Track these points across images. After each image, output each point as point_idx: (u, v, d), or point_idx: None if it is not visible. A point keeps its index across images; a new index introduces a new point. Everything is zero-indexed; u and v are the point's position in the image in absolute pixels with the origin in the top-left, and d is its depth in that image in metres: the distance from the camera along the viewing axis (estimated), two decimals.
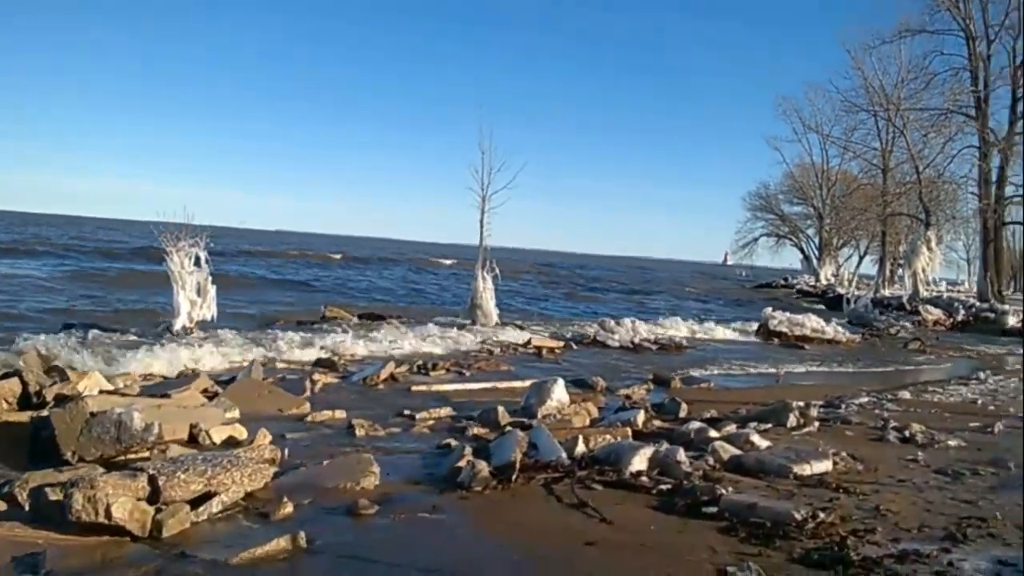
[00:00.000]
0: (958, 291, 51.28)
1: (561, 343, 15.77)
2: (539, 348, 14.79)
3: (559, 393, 8.74)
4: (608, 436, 7.30)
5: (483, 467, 5.94)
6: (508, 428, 7.46)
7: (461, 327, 17.14)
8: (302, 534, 4.43)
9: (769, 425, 8.42)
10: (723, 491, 5.43)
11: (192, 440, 6.91)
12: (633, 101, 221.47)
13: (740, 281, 72.09)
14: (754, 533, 4.77)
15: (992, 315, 30.87)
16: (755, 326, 21.79)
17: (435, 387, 10.27)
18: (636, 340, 16.68)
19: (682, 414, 9.24)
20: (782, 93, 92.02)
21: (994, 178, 38.42)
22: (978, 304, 34.10)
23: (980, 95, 38.15)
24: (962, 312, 31.66)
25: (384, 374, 10.58)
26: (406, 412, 8.54)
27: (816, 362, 16.71)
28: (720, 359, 16.09)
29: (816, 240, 68.18)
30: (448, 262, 62.13)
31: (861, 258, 61.95)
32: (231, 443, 6.90)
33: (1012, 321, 29.45)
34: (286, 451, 6.34)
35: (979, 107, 38.17)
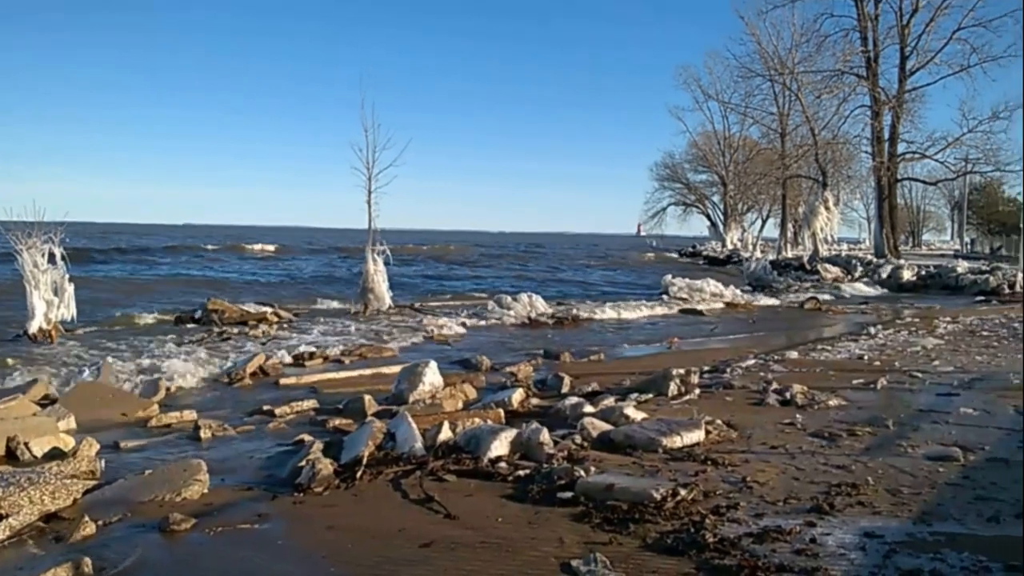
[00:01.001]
0: (859, 249, 52.75)
1: (453, 321, 15.27)
2: (429, 328, 14.26)
3: (431, 376, 8.27)
4: (477, 420, 6.83)
5: (326, 465, 5.41)
6: (369, 419, 6.92)
7: (352, 313, 16.48)
8: (87, 560, 3.85)
9: (650, 395, 8.12)
10: (581, 473, 5.02)
11: (10, 455, 6.22)
12: (540, 77, 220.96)
13: (651, 250, 72.79)
14: (609, 518, 4.37)
15: (888, 269, 31.60)
16: (656, 294, 21.71)
17: (305, 378, 9.66)
18: (533, 315, 16.30)
19: (564, 389, 8.89)
20: (682, 63, 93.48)
21: (886, 136, 39.39)
22: (875, 260, 34.94)
23: (870, 55, 39.00)
24: (860, 269, 32.36)
25: (251, 368, 9.90)
26: (265, 408, 7.91)
27: (711, 326, 16.62)
28: (618, 328, 15.85)
29: (721, 207, 69.18)
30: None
31: (764, 222, 63.23)
32: (55, 456, 6.21)
33: (907, 275, 30.17)
34: (102, 462, 5.67)
35: (869, 67, 39.02)
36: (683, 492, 4.65)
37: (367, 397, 7.78)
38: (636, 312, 18.92)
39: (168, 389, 8.94)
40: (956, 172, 41.56)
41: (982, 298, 23.82)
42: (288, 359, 11.13)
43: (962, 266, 31.57)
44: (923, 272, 30.58)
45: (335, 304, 18.66)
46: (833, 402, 7.44)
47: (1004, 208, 76.46)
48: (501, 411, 7.18)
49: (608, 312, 18.30)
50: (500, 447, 5.72)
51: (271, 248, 58.54)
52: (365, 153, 17.56)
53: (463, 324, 15.39)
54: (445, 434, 6.17)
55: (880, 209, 39.77)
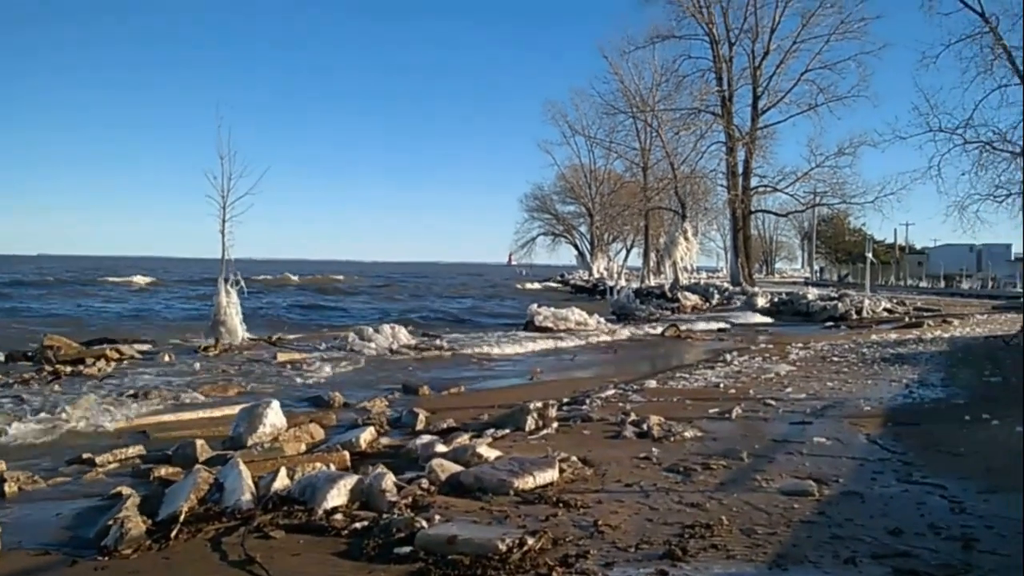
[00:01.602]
0: (717, 277, 54.60)
1: (310, 355, 14.57)
2: (283, 363, 13.52)
3: (273, 417, 7.68)
4: (319, 464, 6.31)
5: (137, 523, 4.80)
6: (197, 467, 6.28)
7: (203, 348, 15.51)
8: None
9: (507, 430, 7.79)
10: (422, 524, 4.60)
11: None
12: (411, 109, 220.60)
13: (520, 280, 73.27)
14: (449, 575, 3.96)
15: (743, 297, 32.69)
16: (522, 323, 21.55)
17: (136, 421, 8.84)
18: (395, 347, 15.78)
19: (419, 426, 8.46)
20: (551, 99, 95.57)
21: (740, 170, 41.08)
22: (731, 288, 36.14)
23: (724, 94, 40.78)
24: (717, 296, 33.38)
25: (78, 410, 8.99)
26: (85, 456, 7.11)
27: (574, 355, 16.56)
28: (482, 358, 15.53)
29: (588, 237, 70.49)
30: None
31: (628, 251, 64.84)
32: None
33: (761, 302, 31.25)
34: None
35: (724, 105, 40.74)
36: (531, 541, 4.29)
37: (199, 442, 7.10)
38: (501, 342, 18.66)
39: None
40: (805, 204, 43.88)
41: (832, 324, 24.85)
42: (123, 399, 10.22)
43: (812, 293, 33.00)
44: (776, 299, 31.77)
45: (184, 339, 17.51)
46: (689, 433, 7.30)
47: (850, 238, 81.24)
48: (346, 454, 6.69)
49: (472, 342, 17.95)
50: (338, 496, 5.23)
51: (143, 280, 54.97)
52: (220, 181, 16.69)
53: (321, 358, 14.70)
54: (280, 482, 5.61)
55: (735, 239, 41.32)
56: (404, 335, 16.77)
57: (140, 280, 54.48)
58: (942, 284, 59.50)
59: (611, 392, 10.23)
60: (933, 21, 21.70)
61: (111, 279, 55.63)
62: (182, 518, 4.92)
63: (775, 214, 52.12)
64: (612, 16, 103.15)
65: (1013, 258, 58.87)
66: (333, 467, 6.37)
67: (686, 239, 40.09)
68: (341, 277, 72.36)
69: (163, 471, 6.64)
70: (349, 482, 5.39)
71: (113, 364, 13.38)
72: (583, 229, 72.67)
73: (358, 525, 4.79)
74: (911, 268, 68.49)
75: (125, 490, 5.87)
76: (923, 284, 60.64)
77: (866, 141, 36.25)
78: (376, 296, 46.55)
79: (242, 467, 5.76)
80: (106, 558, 4.43)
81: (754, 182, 41.58)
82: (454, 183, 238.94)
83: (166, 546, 4.59)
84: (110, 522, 4.88)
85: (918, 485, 5.51)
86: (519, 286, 64.63)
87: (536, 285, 66.87)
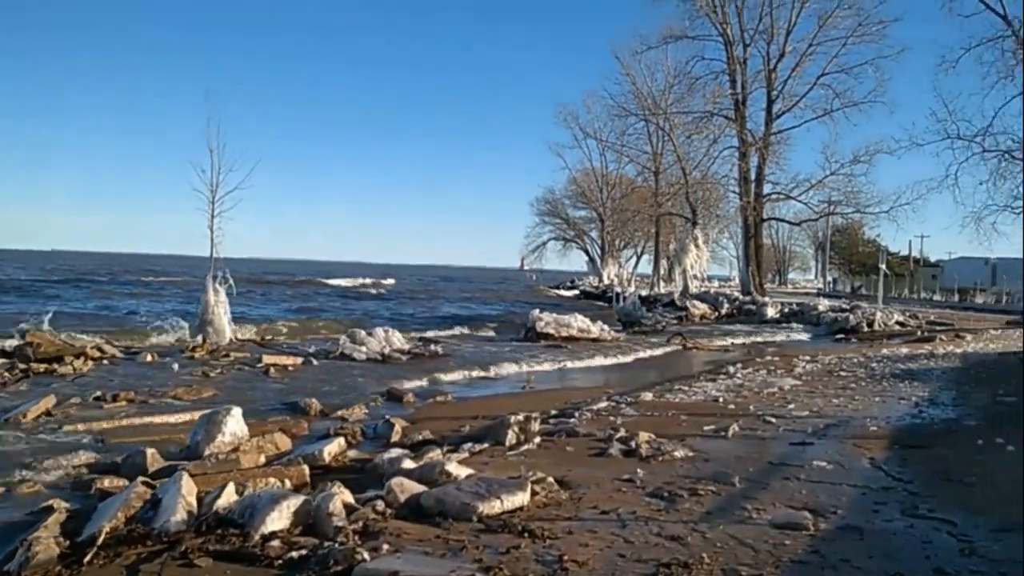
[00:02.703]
0: (728, 286, 53.91)
1: (299, 359, 14.07)
2: (268, 366, 13.02)
3: (233, 425, 7.18)
4: (273, 479, 5.83)
5: (49, 546, 4.31)
6: (137, 481, 5.78)
7: (190, 348, 15.04)
8: None
9: (486, 445, 7.29)
10: (364, 556, 4.08)
11: None
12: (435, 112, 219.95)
13: (531, 284, 72.78)
14: None
15: (753, 307, 32.09)
16: (525, 329, 21.01)
17: (96, 424, 8.34)
18: (387, 351, 15.25)
19: (395, 437, 7.97)
20: (563, 101, 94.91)
21: (753, 177, 40.35)
22: (741, 297, 35.52)
23: (738, 97, 40.02)
24: (726, 305, 32.74)
25: (35, 412, 8.54)
26: (26, 463, 6.63)
27: (572, 362, 16.04)
28: (477, 364, 15.01)
29: (599, 242, 69.87)
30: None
31: (639, 258, 64.27)
32: None
33: (771, 312, 30.64)
34: None
35: (738, 109, 40.01)
36: None
37: (150, 451, 6.61)
38: (499, 347, 18.10)
39: None
40: (819, 213, 43.01)
41: (842, 336, 24.21)
42: (89, 400, 9.76)
43: (823, 304, 32.35)
44: (786, 310, 31.16)
45: (173, 338, 17.03)
46: (679, 453, 6.75)
47: (863, 249, 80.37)
48: (306, 468, 6.18)
49: (467, 346, 17.40)
50: (279, 520, 4.71)
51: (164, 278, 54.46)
52: (209, 175, 16.22)
53: (309, 360, 14.20)
54: (226, 499, 5.10)
55: (746, 248, 40.62)
56: (398, 339, 16.23)
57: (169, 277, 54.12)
58: (956, 298, 58.54)
59: (603, 404, 9.69)
60: (953, 23, 21.24)
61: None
62: (100, 540, 4.42)
63: (788, 222, 51.28)
64: (626, 16, 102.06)
65: None
66: (289, 483, 5.88)
67: (697, 246, 39.48)
68: (369, 280, 71.74)
69: (107, 483, 6.14)
70: (294, 503, 4.87)
71: (91, 363, 12.90)
72: (594, 234, 72.16)
73: (295, 554, 4.27)
74: (925, 281, 67.47)
75: (57, 504, 5.40)
76: (937, 297, 59.69)
77: (882, 148, 35.68)
78: (383, 298, 46.04)
79: (184, 482, 5.25)
80: None
81: (767, 189, 40.86)
82: (469, 185, 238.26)
83: (78, 572, 4.10)
84: (19, 544, 4.40)
85: (924, 520, 4.94)
86: (534, 289, 63.87)
87: (547, 289, 65.89)
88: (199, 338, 15.72)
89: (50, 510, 5.22)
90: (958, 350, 18.26)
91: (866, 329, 25.64)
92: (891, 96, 37.14)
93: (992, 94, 20.26)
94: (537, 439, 7.40)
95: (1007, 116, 20.48)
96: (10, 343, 13.90)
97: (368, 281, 70.14)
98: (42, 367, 12.27)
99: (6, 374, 11.53)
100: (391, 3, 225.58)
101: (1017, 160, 20.14)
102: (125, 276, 59.03)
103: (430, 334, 19.86)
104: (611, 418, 8.70)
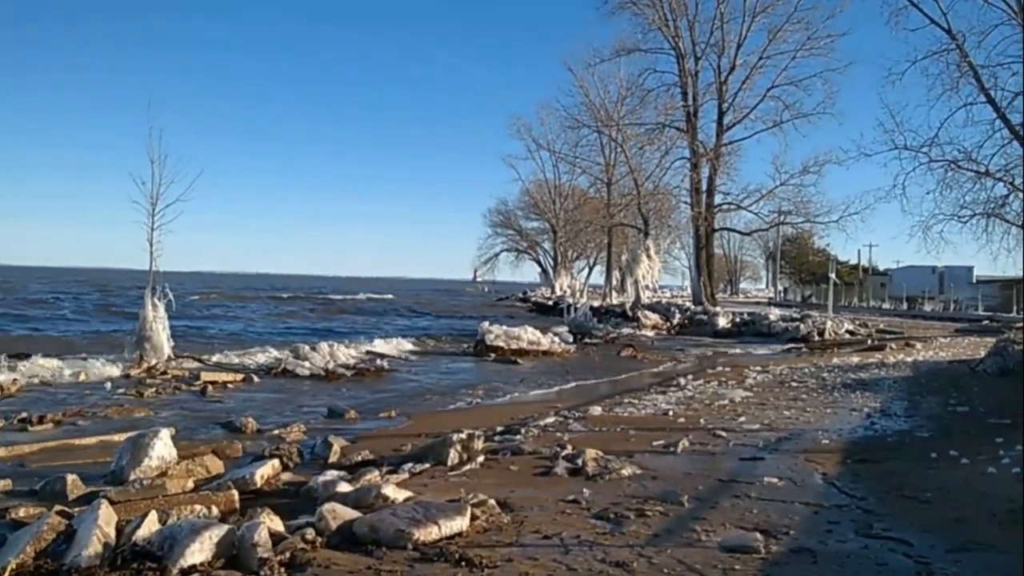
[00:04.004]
0: (680, 296, 54.19)
1: (239, 376, 13.63)
2: (206, 384, 12.56)
3: (161, 448, 6.81)
4: (199, 506, 5.48)
5: None
6: (50, 511, 5.39)
7: (126, 366, 14.49)
8: None
9: (427, 464, 6.99)
10: None
11: None
12: (386, 121, 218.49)
13: (483, 296, 72.53)
14: None
15: (705, 317, 32.18)
16: (474, 342, 20.74)
17: (17, 449, 7.85)
18: (331, 367, 14.86)
19: (333, 458, 7.64)
20: (516, 112, 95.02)
21: (704, 187, 40.60)
22: (693, 307, 35.62)
23: (690, 109, 40.30)
24: (678, 316, 32.78)
25: None
26: None
27: (521, 376, 15.79)
28: (422, 381, 14.69)
29: (552, 253, 69.87)
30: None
31: (591, 269, 64.34)
32: None
33: (722, 322, 30.77)
34: None
35: (689, 121, 40.27)
36: None
37: (70, 477, 6.22)
38: (447, 361, 17.79)
39: None
40: (769, 223, 43.41)
41: (793, 345, 24.33)
42: (13, 422, 9.26)
43: (774, 314, 32.60)
44: (738, 319, 31.32)
45: (106, 355, 16.38)
46: (627, 471, 6.53)
47: (814, 258, 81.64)
48: (235, 493, 5.82)
49: (416, 361, 17.07)
50: (199, 552, 4.39)
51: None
52: (149, 186, 15.68)
53: (249, 377, 13.77)
54: (147, 529, 4.76)
55: (698, 258, 40.79)
56: (343, 353, 15.87)
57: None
58: (904, 306, 59.54)
59: (551, 420, 9.44)
60: (899, 37, 21.39)
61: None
62: None
63: (739, 232, 51.75)
64: (581, 30, 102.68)
65: (975, 280, 59.10)
66: (216, 510, 5.54)
67: (648, 257, 39.53)
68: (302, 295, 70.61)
69: (22, 512, 5.71)
70: (217, 533, 4.55)
71: (21, 383, 12.31)
72: (547, 246, 72.21)
73: None
74: (874, 289, 68.54)
75: None
76: (886, 305, 60.65)
77: (831, 159, 36.06)
78: (326, 312, 45.34)
79: (103, 511, 4.90)
80: None
81: (718, 199, 41.07)
82: (420, 197, 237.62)
83: None
84: None
85: (879, 540, 4.77)
86: (481, 302, 63.60)
87: (519, 304, 65.23)
88: (135, 356, 15.15)
89: None
90: (908, 359, 18.39)
91: (817, 338, 25.85)
92: (840, 108, 37.61)
93: (938, 105, 20.52)
94: (481, 458, 7.14)
95: (952, 127, 20.78)
96: None
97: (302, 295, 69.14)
98: None
99: None
100: (339, 15, 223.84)
101: (963, 170, 20.44)
102: (66, 290, 57.26)
103: (377, 348, 19.42)
104: (558, 434, 8.47)
